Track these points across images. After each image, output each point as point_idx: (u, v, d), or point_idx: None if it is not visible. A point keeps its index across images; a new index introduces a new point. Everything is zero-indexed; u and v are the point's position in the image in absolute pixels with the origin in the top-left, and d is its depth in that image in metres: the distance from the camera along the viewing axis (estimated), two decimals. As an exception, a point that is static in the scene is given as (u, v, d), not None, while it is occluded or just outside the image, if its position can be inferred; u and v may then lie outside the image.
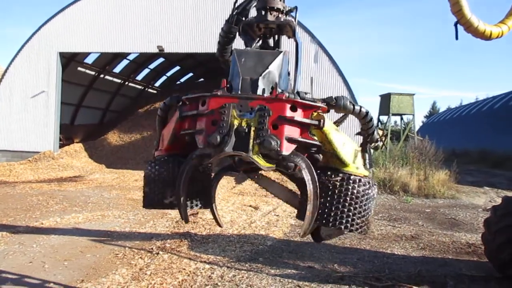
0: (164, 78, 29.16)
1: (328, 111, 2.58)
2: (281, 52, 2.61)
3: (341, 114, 3.30)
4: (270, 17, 2.81)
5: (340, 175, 2.55)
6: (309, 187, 2.38)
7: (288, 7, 2.93)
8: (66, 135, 20.97)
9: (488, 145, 27.21)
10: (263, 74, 2.47)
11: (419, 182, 13.75)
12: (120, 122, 23.52)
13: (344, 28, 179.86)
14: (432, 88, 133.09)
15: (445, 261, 6.57)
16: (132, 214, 9.06)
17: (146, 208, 3.05)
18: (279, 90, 2.41)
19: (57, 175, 15.63)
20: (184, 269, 5.64)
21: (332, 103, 2.57)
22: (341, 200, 2.52)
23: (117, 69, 23.81)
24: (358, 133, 2.98)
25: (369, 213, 2.62)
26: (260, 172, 3.14)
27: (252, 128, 2.31)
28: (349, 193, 2.53)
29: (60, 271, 5.53)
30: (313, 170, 2.40)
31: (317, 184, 2.40)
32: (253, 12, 2.99)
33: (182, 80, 31.34)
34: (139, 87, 27.66)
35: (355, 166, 2.64)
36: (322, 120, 2.42)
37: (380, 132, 23.91)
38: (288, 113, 2.35)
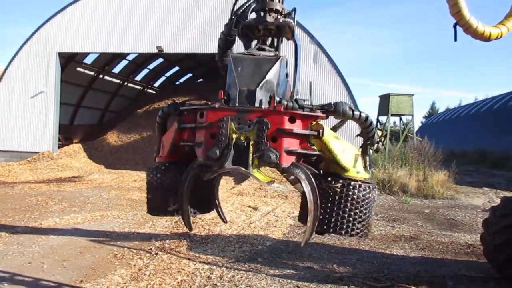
0: (163, 78, 29.18)
1: (327, 117, 2.57)
2: (279, 58, 2.58)
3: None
4: (269, 18, 2.80)
5: (341, 181, 2.55)
6: (309, 198, 2.39)
7: (287, 10, 2.93)
8: (65, 136, 20.96)
9: (487, 146, 27.26)
10: (260, 85, 2.44)
11: (418, 183, 13.76)
12: (119, 123, 23.51)
13: (344, 28, 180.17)
14: (431, 88, 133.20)
15: (444, 262, 6.58)
16: (131, 214, 9.06)
17: (151, 214, 3.07)
18: (277, 99, 2.38)
19: (56, 176, 15.61)
20: (183, 269, 5.64)
21: (331, 110, 2.55)
22: (342, 206, 2.52)
23: (116, 70, 23.81)
24: (358, 135, 2.99)
25: (370, 216, 2.62)
26: None
27: (251, 142, 2.31)
28: (350, 199, 2.53)
29: (59, 271, 5.52)
30: (313, 181, 2.41)
31: (317, 195, 2.40)
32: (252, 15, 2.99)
33: (182, 80, 31.35)
34: (138, 87, 27.67)
35: (356, 170, 2.64)
36: (321, 130, 2.41)
37: (379, 133, 23.95)
38: (287, 125, 2.35)
